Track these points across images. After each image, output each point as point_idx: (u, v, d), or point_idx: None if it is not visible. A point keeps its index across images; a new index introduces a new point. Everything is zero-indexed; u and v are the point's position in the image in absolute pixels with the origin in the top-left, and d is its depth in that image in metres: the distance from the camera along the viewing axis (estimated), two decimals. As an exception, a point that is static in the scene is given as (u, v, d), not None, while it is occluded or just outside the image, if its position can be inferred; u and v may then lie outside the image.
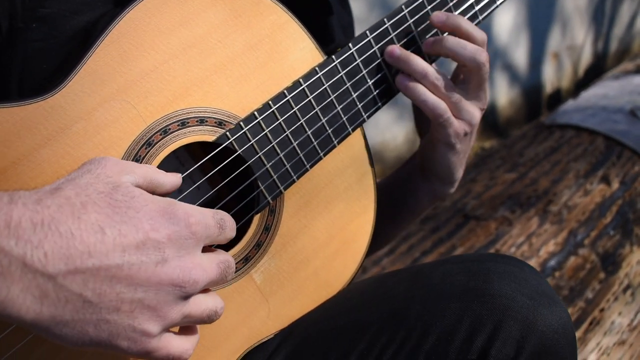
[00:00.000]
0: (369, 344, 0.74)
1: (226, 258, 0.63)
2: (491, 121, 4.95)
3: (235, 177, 0.77)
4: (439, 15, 0.87)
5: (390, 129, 4.17)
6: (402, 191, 1.03)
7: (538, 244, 1.85)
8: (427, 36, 0.90)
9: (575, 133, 2.29)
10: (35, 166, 0.64)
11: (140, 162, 0.70)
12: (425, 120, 0.96)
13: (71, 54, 0.71)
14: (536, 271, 0.78)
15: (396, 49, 0.86)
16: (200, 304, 0.60)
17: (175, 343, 0.59)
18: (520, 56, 5.15)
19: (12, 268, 0.50)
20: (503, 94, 5.08)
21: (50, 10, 0.74)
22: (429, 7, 0.90)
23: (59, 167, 0.65)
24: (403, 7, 0.88)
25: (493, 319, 0.70)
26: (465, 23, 0.86)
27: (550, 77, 4.92)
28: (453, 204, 2.06)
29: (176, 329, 0.62)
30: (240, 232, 0.78)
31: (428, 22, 0.90)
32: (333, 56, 0.82)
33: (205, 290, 0.62)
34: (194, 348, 0.61)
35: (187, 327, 0.62)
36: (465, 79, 0.89)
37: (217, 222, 0.62)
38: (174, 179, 0.66)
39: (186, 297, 0.58)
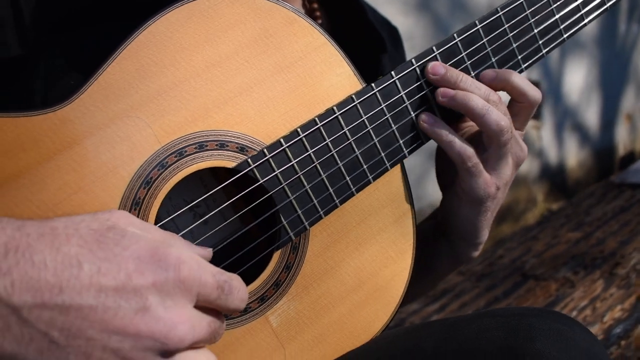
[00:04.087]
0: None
1: (217, 317, 0.55)
2: (559, 182, 4.75)
3: (257, 208, 0.71)
4: (488, 73, 0.80)
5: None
6: (424, 252, 0.91)
7: (603, 308, 1.70)
8: (481, 68, 0.83)
9: (647, 193, 2.14)
10: (37, 180, 0.60)
11: (151, 185, 0.65)
12: (448, 171, 0.85)
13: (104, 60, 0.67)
14: (588, 331, 0.67)
15: (439, 66, 0.78)
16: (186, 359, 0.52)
17: None
18: (591, 116, 4.97)
19: None
20: (572, 154, 4.89)
21: (79, 24, 0.71)
22: (485, 40, 0.82)
23: (62, 184, 0.61)
24: (455, 35, 0.81)
25: None
26: (516, 78, 0.79)
27: (623, 138, 4.72)
28: (511, 262, 1.94)
29: None
30: (258, 268, 0.72)
31: (483, 53, 0.82)
32: (373, 84, 0.76)
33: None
34: None
35: None
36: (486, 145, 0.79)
37: (218, 282, 0.54)
38: (201, 252, 0.58)
39: (168, 354, 0.51)
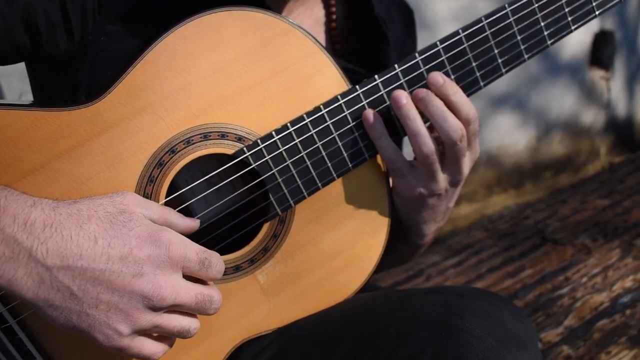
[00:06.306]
0: (342, 357, 0.81)
1: (210, 292, 0.72)
2: (626, 135, 4.65)
3: (260, 183, 0.86)
4: (436, 77, 0.87)
5: (512, 133, 4.02)
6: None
7: (614, 277, 1.78)
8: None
9: (685, 166, 2.15)
10: (74, 160, 0.77)
11: (164, 166, 0.81)
12: None
13: (131, 63, 0.82)
14: (518, 314, 0.79)
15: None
16: (173, 319, 0.71)
17: (147, 345, 0.70)
18: (665, 68, 4.76)
19: (20, 255, 0.64)
20: (643, 107, 4.74)
21: (116, 27, 0.86)
22: (471, 55, 0.92)
23: (93, 163, 0.78)
24: (438, 42, 0.91)
25: (455, 354, 0.74)
26: (456, 96, 0.86)
27: (700, 94, 4.53)
28: (535, 224, 2.03)
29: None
30: (250, 236, 0.88)
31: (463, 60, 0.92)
32: (357, 86, 0.88)
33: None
34: (164, 352, 0.72)
35: (162, 336, 0.72)
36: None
37: (200, 259, 0.71)
38: (189, 223, 0.77)
39: (155, 309, 0.68)
